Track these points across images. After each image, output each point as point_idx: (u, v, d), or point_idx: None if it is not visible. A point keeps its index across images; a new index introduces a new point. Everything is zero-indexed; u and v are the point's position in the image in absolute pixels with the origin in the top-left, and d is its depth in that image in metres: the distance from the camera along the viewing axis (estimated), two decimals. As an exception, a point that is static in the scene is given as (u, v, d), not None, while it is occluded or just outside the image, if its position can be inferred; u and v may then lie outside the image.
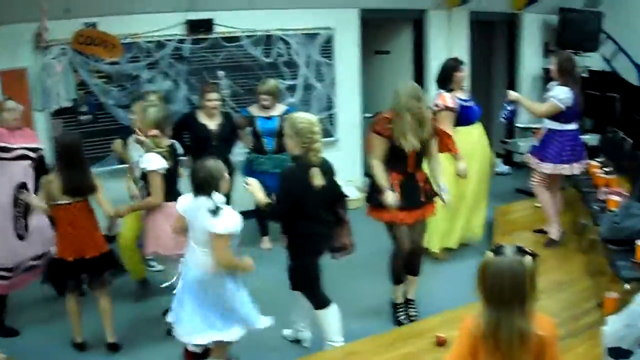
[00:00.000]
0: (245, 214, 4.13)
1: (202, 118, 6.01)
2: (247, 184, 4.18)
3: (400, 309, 5.03)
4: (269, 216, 5.09)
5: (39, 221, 4.77)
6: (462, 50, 8.45)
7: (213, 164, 3.84)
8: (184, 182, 4.60)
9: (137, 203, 4.93)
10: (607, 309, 4.16)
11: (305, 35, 7.49)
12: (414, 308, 5.05)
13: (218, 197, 3.79)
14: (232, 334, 3.96)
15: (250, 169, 6.27)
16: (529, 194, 7.86)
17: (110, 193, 4.85)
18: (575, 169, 5.80)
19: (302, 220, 4.13)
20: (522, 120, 9.27)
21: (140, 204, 4.82)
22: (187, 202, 3.92)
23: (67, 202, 4.34)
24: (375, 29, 8.55)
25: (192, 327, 3.89)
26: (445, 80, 5.93)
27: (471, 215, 6.26)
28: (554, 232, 6.01)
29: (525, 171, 8.78)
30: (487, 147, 6.31)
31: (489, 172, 6.55)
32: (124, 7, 6.46)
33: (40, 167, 4.82)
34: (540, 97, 7.29)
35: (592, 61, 9.35)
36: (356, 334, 4.51)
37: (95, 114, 6.55)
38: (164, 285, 4.47)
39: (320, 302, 4.28)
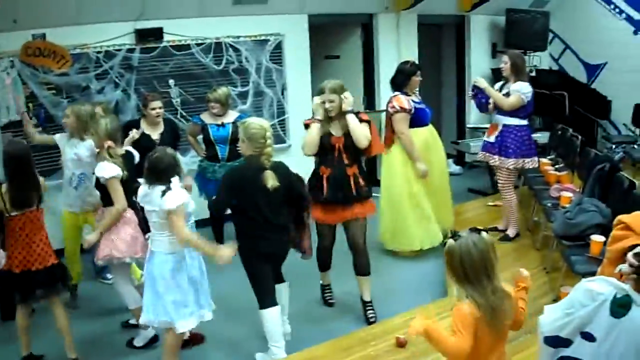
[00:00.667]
0: (202, 222, 4.13)
1: (146, 128, 5.89)
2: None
3: (327, 291, 5.37)
4: (211, 208, 5.52)
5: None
6: (411, 53, 8.49)
7: (170, 151, 4.03)
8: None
9: (103, 222, 4.63)
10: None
11: (255, 41, 7.43)
12: (371, 309, 4.99)
13: (176, 181, 3.93)
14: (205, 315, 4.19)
15: (203, 177, 6.19)
16: (482, 193, 7.99)
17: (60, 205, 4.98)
18: (535, 162, 5.95)
19: (248, 223, 4.15)
20: (472, 121, 9.42)
21: (108, 219, 4.56)
22: (142, 192, 4.05)
23: (16, 213, 4.20)
24: (325, 34, 8.54)
25: (165, 313, 3.97)
26: (402, 83, 5.98)
27: (441, 209, 6.34)
28: (512, 232, 6.15)
29: (477, 171, 8.93)
30: (441, 146, 6.38)
31: (446, 169, 6.65)
32: (73, 17, 6.30)
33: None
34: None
35: (540, 60, 9.54)
36: (316, 336, 4.54)
37: (46, 127, 6.34)
38: (137, 284, 4.62)
39: (261, 302, 4.24)
